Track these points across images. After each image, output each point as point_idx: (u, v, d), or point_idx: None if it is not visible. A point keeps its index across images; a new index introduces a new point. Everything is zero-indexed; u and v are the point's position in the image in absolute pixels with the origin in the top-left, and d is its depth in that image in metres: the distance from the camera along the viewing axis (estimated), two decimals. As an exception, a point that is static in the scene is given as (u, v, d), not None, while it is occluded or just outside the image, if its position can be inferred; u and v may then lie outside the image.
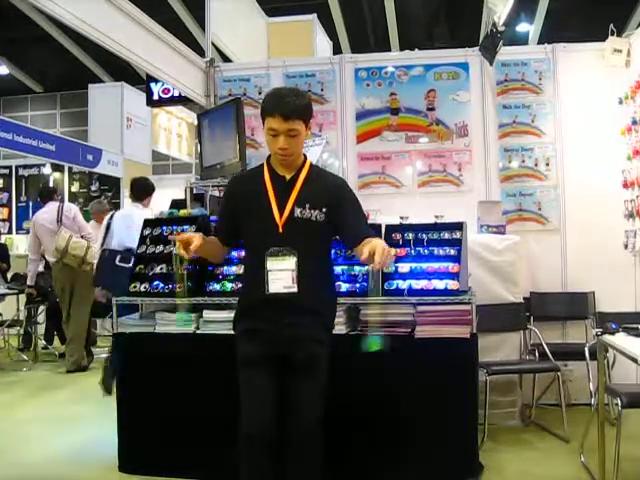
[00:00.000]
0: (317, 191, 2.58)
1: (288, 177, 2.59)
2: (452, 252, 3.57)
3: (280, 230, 2.52)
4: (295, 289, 2.42)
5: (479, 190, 5.17)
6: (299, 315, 2.52)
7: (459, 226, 3.67)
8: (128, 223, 4.94)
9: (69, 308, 6.56)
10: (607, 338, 3.17)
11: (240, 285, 3.35)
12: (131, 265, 4.10)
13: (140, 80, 10.97)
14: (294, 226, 2.53)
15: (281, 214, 2.54)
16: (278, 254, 2.44)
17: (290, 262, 2.41)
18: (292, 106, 2.46)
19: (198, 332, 3.64)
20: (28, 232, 10.43)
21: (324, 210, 2.56)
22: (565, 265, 5.02)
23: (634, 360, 2.80)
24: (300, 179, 2.59)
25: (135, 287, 3.80)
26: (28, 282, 6.88)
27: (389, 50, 11.93)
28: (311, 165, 2.67)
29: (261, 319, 2.55)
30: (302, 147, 2.61)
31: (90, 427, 4.59)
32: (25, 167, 10.90)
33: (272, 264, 2.42)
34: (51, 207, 6.69)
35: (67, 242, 6.37)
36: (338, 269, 3.58)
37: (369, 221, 3.84)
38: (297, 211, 2.54)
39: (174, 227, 3.93)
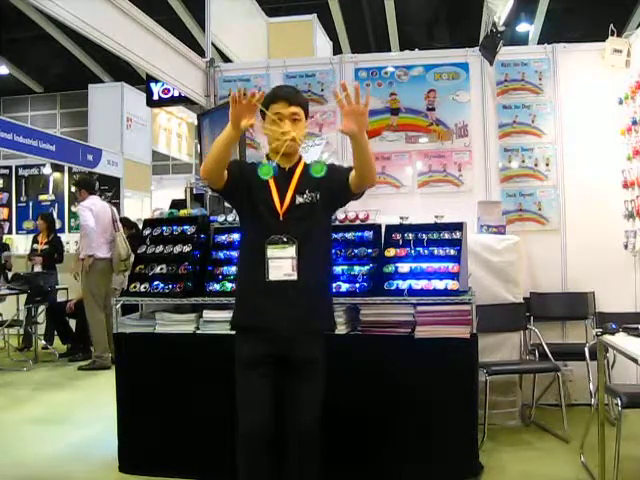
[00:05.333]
0: (312, 178, 2.62)
1: (287, 167, 2.66)
2: (452, 252, 3.57)
3: (281, 218, 2.57)
4: (295, 277, 2.45)
5: (479, 190, 5.17)
6: (299, 305, 2.52)
7: (459, 226, 3.67)
8: None
9: (104, 309, 6.62)
10: (607, 338, 3.17)
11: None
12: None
13: (140, 80, 10.99)
14: (295, 214, 2.58)
15: (282, 203, 2.59)
16: (278, 242, 2.47)
17: (290, 250, 2.44)
18: (294, 94, 2.68)
19: (198, 332, 3.64)
20: (28, 232, 10.48)
21: (321, 190, 2.63)
22: (565, 265, 5.02)
23: (634, 360, 2.80)
24: (299, 169, 2.67)
25: (135, 287, 3.80)
26: (87, 252, 6.51)
27: (389, 50, 11.96)
28: (305, 162, 2.77)
29: (260, 312, 2.55)
30: (302, 137, 2.67)
31: (90, 427, 4.59)
32: (25, 167, 10.91)
33: (272, 252, 2.44)
34: (104, 206, 6.84)
35: (129, 251, 6.63)
36: (338, 269, 3.58)
37: (369, 221, 3.89)
38: (298, 199, 2.61)
39: (174, 227, 3.93)
